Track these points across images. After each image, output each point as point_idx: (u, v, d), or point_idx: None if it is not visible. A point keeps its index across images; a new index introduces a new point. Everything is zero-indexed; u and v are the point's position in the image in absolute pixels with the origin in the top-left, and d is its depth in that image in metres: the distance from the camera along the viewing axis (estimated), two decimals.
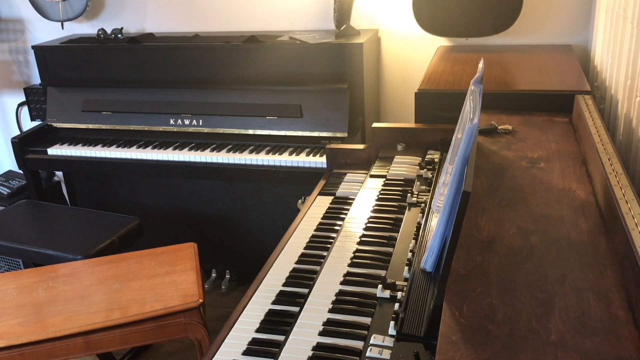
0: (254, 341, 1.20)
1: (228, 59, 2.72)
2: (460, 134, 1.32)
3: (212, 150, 2.61)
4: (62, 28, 3.18)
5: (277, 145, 2.61)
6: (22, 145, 2.80)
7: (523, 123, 1.88)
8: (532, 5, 2.68)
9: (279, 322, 1.25)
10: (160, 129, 2.78)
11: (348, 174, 1.98)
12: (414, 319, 1.13)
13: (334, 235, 1.58)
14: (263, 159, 2.51)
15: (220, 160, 2.56)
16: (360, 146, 2.05)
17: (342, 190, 1.85)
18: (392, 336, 1.14)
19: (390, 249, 1.46)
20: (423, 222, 1.52)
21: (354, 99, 2.60)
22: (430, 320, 1.07)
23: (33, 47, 2.95)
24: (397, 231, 1.54)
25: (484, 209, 1.36)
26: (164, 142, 2.72)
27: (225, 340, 1.21)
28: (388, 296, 1.27)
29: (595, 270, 1.10)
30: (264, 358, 1.15)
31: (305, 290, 1.34)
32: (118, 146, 2.74)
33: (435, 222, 1.24)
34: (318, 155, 2.49)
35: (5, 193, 3.14)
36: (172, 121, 2.75)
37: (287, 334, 1.20)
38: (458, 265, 1.13)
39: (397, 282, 1.30)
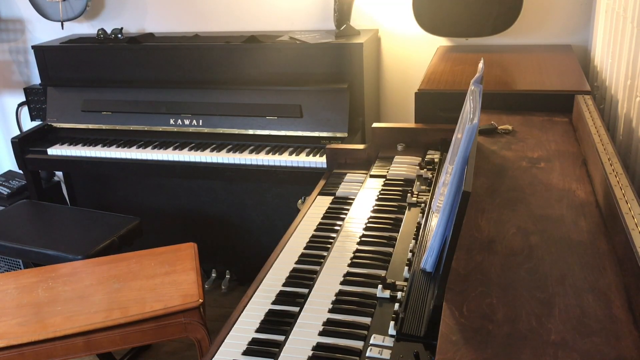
0: (254, 341, 1.20)
1: (228, 59, 2.72)
2: (460, 134, 1.32)
3: (212, 150, 2.61)
4: (62, 28, 3.18)
5: (277, 145, 2.61)
6: (22, 145, 2.80)
7: (523, 123, 1.88)
8: (532, 5, 2.68)
9: (279, 322, 1.25)
10: (160, 129, 2.78)
11: (348, 174, 1.98)
12: (414, 319, 1.13)
13: (334, 235, 1.58)
14: (263, 159, 2.51)
15: (220, 160, 2.56)
16: (360, 146, 2.06)
17: (342, 190, 1.85)
18: (392, 336, 1.14)
19: (390, 249, 1.46)
20: (423, 222, 1.52)
21: (354, 99, 2.60)
22: (430, 320, 1.07)
23: (33, 47, 2.95)
24: (397, 231, 1.54)
25: (484, 209, 1.36)
26: (164, 142, 2.72)
27: (225, 340, 1.21)
28: (388, 296, 1.27)
29: (595, 270, 1.10)
30: (264, 358, 1.15)
31: (305, 290, 1.35)
32: (118, 146, 2.74)
33: (435, 222, 1.24)
34: (318, 155, 2.49)
35: (5, 193, 3.14)
36: (172, 121, 2.75)
37: (287, 334, 1.20)
38: (458, 265, 1.13)
39: (397, 282, 1.30)
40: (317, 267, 1.43)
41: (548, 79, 2.15)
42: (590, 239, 1.21)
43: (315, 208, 1.77)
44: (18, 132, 3.50)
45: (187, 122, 2.73)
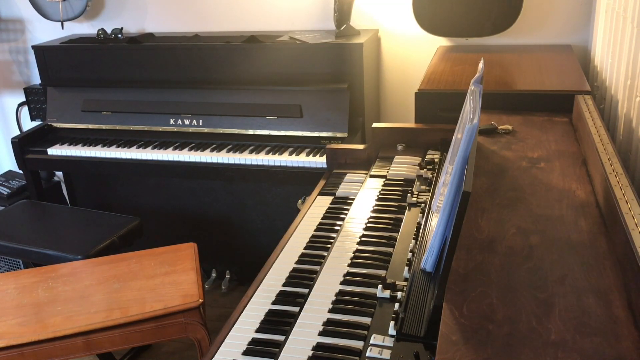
0: (254, 341, 1.20)
1: (228, 59, 2.72)
2: (460, 134, 1.32)
3: (212, 150, 2.61)
4: (62, 28, 3.18)
5: (277, 145, 2.61)
6: (22, 145, 2.80)
7: (523, 123, 1.88)
8: (532, 5, 2.68)
9: (279, 322, 1.25)
10: (160, 129, 2.78)
11: (348, 174, 1.98)
12: (414, 319, 1.13)
13: (334, 235, 1.58)
14: (263, 159, 2.51)
15: (220, 160, 2.56)
16: (360, 146, 2.05)
17: (342, 190, 1.85)
18: (392, 336, 1.14)
19: (390, 249, 1.46)
20: (423, 222, 1.52)
21: (354, 99, 2.60)
22: (430, 320, 1.07)
23: (33, 47, 2.95)
24: (397, 231, 1.54)
25: (484, 209, 1.36)
26: (164, 142, 2.72)
27: (225, 340, 1.21)
28: (388, 296, 1.27)
29: (595, 270, 1.10)
30: (264, 358, 1.15)
31: (305, 290, 1.35)
32: (118, 146, 2.74)
33: (435, 222, 1.24)
34: (318, 155, 2.49)
35: (5, 193, 3.14)
36: (172, 121, 2.75)
37: (287, 334, 1.20)
38: (458, 265, 1.13)
39: (397, 282, 1.30)
40: (317, 267, 1.43)
41: (548, 79, 2.15)
42: (590, 239, 1.21)
43: (315, 208, 1.77)
44: (18, 132, 3.50)
45: (187, 122, 2.73)
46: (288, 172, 2.48)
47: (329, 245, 1.53)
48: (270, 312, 1.29)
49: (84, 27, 3.27)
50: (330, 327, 1.20)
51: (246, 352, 1.17)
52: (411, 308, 1.16)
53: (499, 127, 1.83)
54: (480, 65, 1.50)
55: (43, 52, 2.94)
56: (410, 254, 1.41)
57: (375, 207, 1.69)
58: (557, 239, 1.22)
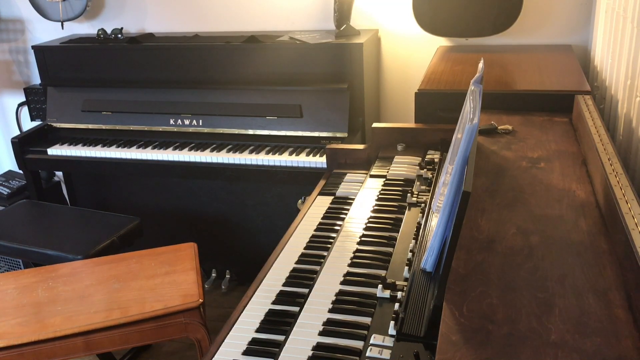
0: (254, 341, 1.20)
1: (228, 59, 2.72)
2: (460, 134, 1.32)
3: (212, 150, 2.61)
4: (62, 28, 3.18)
5: (277, 145, 2.61)
6: (22, 145, 2.80)
7: (523, 123, 1.88)
8: (532, 5, 2.68)
9: (279, 322, 1.25)
10: (160, 129, 2.78)
11: (348, 174, 1.98)
12: (414, 319, 1.13)
13: (334, 235, 1.58)
14: (263, 159, 2.51)
15: (220, 160, 2.56)
16: (360, 146, 2.06)
17: (342, 190, 1.85)
18: (392, 336, 1.14)
19: (390, 249, 1.46)
20: (423, 222, 1.52)
21: (354, 99, 2.60)
22: (430, 320, 1.07)
23: (33, 47, 2.95)
24: (397, 231, 1.54)
25: (484, 209, 1.36)
26: (164, 142, 2.72)
27: (225, 340, 1.22)
28: (388, 296, 1.27)
29: (595, 270, 1.10)
30: (264, 358, 1.15)
31: (305, 290, 1.35)
32: (118, 146, 2.74)
33: (435, 222, 1.24)
34: (318, 155, 2.49)
35: (5, 193, 3.14)
36: (172, 121, 2.75)
37: (287, 334, 1.20)
38: (458, 265, 1.13)
39: (397, 282, 1.30)
40: (317, 267, 1.44)
41: (548, 79, 2.15)
42: (590, 239, 1.21)
43: (315, 208, 1.77)
44: (18, 132, 3.50)
45: (187, 122, 2.73)
46: (288, 172, 2.48)
47: (329, 245, 1.53)
48: (270, 312, 1.29)
49: (84, 27, 3.27)
50: (330, 327, 1.20)
51: (246, 352, 1.17)
52: (411, 308, 1.16)
53: (499, 127, 1.83)
54: (480, 65, 1.50)
55: (43, 52, 2.94)
56: (410, 254, 1.41)
57: (375, 207, 1.69)
58: (557, 239, 1.22)
